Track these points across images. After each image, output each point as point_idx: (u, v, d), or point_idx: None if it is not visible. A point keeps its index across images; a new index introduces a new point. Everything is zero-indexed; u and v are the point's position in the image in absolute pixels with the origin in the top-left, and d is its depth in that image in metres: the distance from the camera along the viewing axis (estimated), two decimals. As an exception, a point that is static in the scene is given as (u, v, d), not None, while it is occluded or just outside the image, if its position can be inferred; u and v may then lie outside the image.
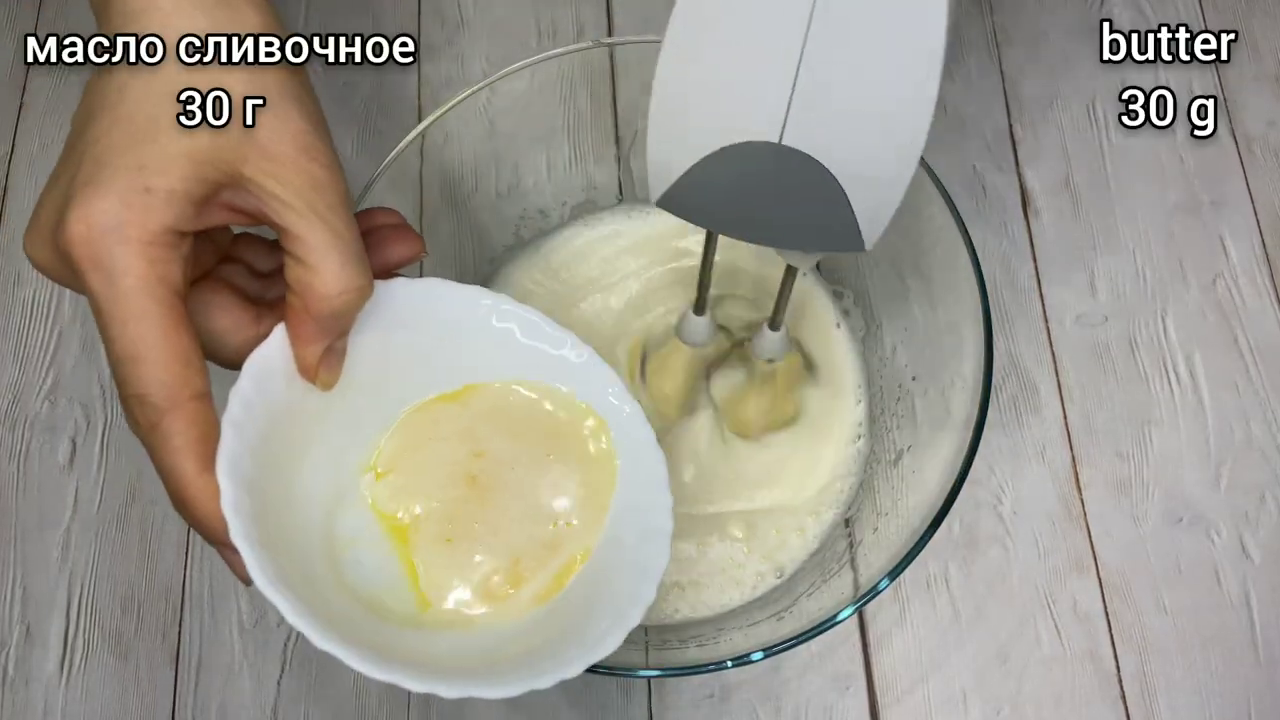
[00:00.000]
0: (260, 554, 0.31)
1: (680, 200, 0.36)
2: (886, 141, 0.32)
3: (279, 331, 0.35)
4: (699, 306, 0.47)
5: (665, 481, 0.39)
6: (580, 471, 0.40)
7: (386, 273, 0.38)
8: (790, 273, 0.43)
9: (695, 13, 0.32)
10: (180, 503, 0.32)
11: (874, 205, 0.34)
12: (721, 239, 0.41)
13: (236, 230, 0.37)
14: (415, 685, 0.32)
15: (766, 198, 0.35)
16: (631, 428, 0.40)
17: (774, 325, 0.47)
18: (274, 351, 0.35)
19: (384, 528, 0.38)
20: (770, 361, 0.50)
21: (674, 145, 0.34)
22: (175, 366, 0.31)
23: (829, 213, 0.34)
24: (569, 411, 0.41)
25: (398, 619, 0.37)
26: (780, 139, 0.32)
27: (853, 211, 0.34)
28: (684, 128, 0.34)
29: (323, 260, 0.33)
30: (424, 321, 0.39)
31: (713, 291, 0.47)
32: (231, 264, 0.36)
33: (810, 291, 0.56)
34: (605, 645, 0.35)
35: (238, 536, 0.31)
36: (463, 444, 0.40)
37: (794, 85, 0.31)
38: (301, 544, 0.36)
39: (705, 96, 0.33)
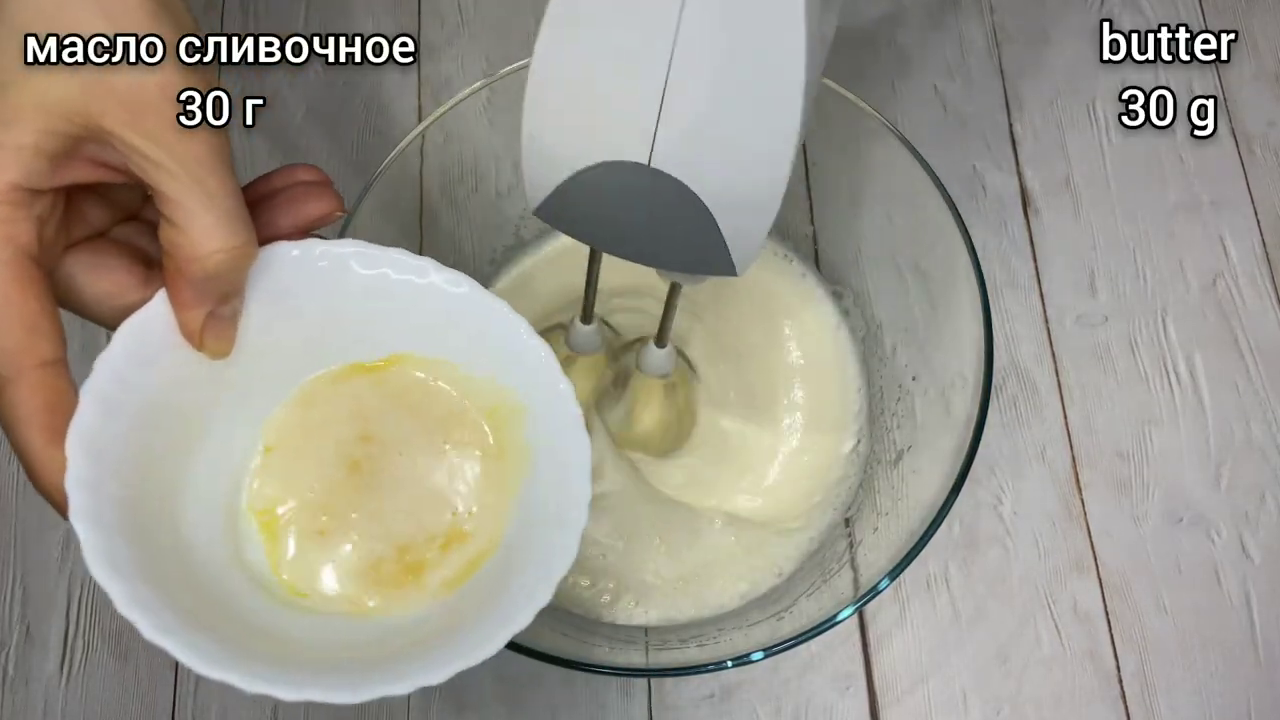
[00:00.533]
0: (100, 534, 0.30)
1: (556, 213, 0.36)
2: (753, 169, 0.32)
3: (161, 295, 0.33)
4: (585, 315, 0.47)
5: (585, 469, 0.36)
6: (482, 459, 0.38)
7: (301, 233, 0.35)
8: (674, 290, 0.44)
9: (566, 23, 0.31)
10: (29, 475, 0.31)
11: (743, 231, 0.34)
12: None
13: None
14: (246, 685, 0.30)
15: (639, 217, 0.34)
16: (556, 409, 0.37)
17: (659, 342, 0.47)
18: (155, 316, 0.33)
19: (257, 521, 0.36)
20: (664, 377, 0.50)
21: (547, 157, 0.34)
22: (18, 332, 0.29)
23: (699, 236, 0.34)
24: (473, 395, 0.38)
25: (288, 603, 0.35)
26: (649, 161, 0.32)
27: (722, 236, 0.34)
28: (556, 141, 0.34)
29: (192, 219, 0.30)
30: (326, 287, 0.36)
31: (619, 302, 0.47)
32: (136, 224, 0.34)
33: (811, 293, 0.56)
34: (481, 650, 0.32)
35: (77, 514, 0.30)
36: (351, 426, 0.38)
37: (660, 107, 0.31)
38: (193, 523, 0.34)
39: (577, 111, 0.33)
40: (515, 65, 0.50)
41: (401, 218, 0.52)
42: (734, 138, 0.31)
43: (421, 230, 0.53)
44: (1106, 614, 0.53)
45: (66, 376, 0.31)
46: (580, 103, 0.32)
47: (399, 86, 0.65)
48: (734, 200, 0.33)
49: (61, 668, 0.53)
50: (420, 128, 0.49)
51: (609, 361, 0.53)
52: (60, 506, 0.30)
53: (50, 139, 0.29)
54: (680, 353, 0.54)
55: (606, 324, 0.54)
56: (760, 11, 0.29)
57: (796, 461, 0.53)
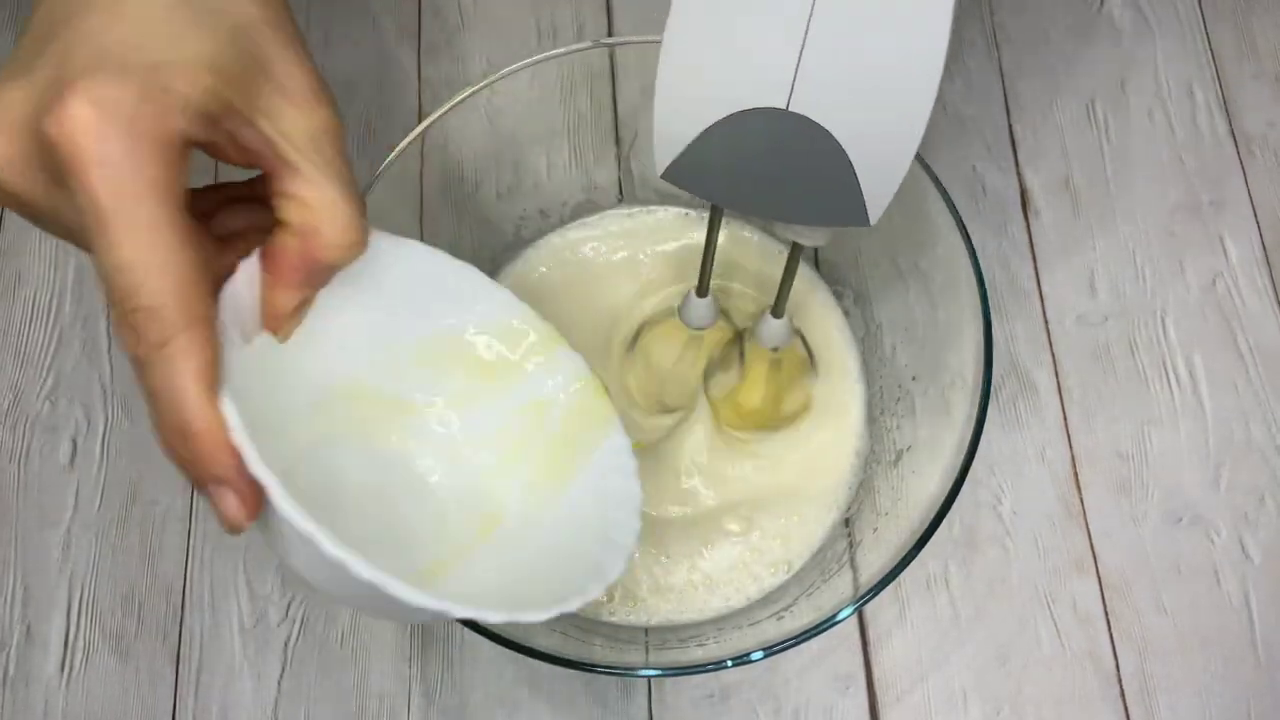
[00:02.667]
0: (278, 485, 0.30)
1: (686, 172, 0.36)
2: (893, 110, 0.33)
3: (247, 267, 0.33)
4: (702, 288, 0.47)
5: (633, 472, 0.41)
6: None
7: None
8: (794, 256, 0.43)
9: None
10: (179, 433, 0.29)
11: (879, 176, 0.34)
12: (727, 223, 0.41)
13: None
14: (460, 611, 0.32)
15: (772, 168, 0.35)
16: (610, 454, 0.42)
17: (777, 312, 0.47)
18: (241, 289, 0.33)
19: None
20: (775, 350, 0.49)
21: (681, 114, 0.34)
22: (191, 280, 0.29)
23: (834, 183, 0.34)
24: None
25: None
26: (788, 105, 0.33)
27: (858, 182, 0.34)
28: (691, 96, 0.34)
29: (335, 207, 0.31)
30: (390, 286, 0.39)
31: (716, 280, 0.47)
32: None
33: (810, 293, 0.56)
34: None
35: (258, 465, 0.29)
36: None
37: (801, 50, 0.31)
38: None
39: (712, 63, 0.33)
40: (515, 65, 0.50)
41: (402, 218, 0.52)
42: (876, 77, 0.32)
43: (422, 230, 0.53)
44: (1106, 614, 0.53)
45: (215, 333, 0.30)
46: (718, 53, 0.33)
47: (399, 87, 0.65)
48: (871, 145, 0.33)
49: (62, 668, 0.53)
50: (420, 128, 0.49)
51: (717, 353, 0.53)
52: (219, 464, 0.30)
53: (213, 101, 0.29)
54: (800, 335, 0.53)
55: (723, 312, 0.53)
56: None
57: (797, 461, 0.53)
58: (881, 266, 0.53)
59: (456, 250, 0.55)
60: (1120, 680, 0.52)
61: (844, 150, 0.33)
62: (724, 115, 0.34)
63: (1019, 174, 0.62)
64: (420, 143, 0.50)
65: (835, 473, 0.53)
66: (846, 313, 0.56)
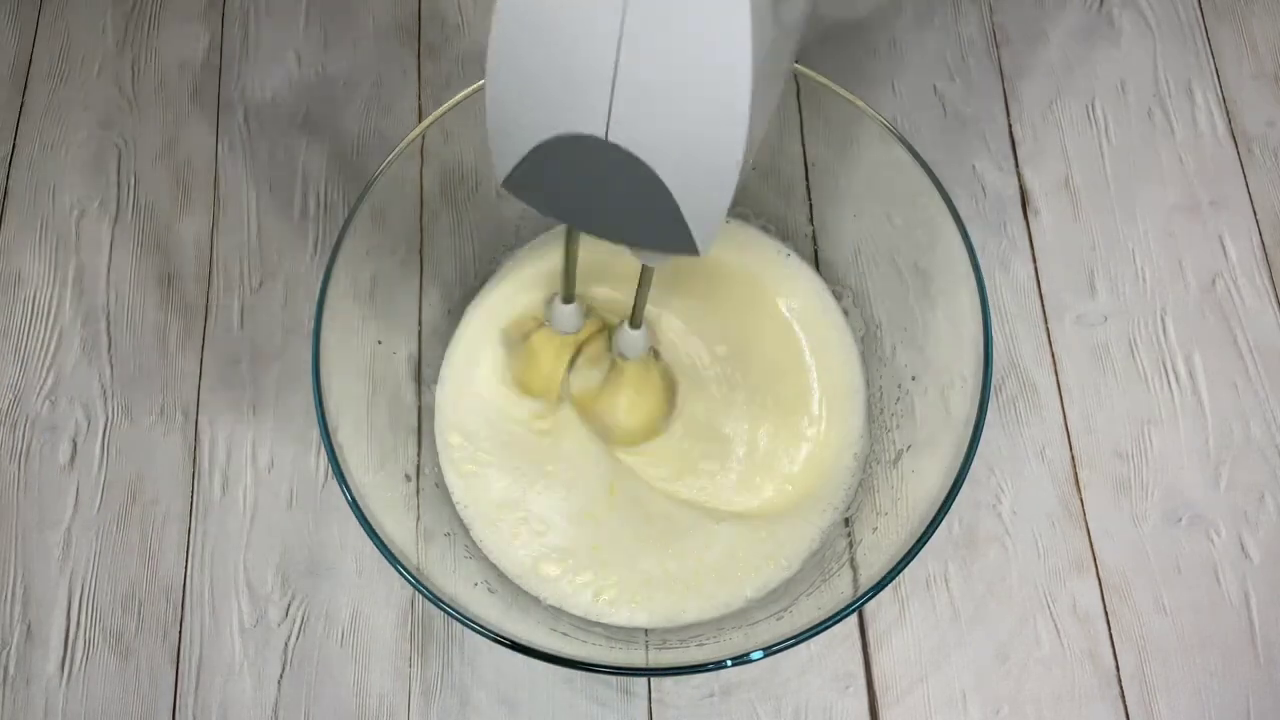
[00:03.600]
0: None
1: (521, 186, 0.36)
2: (707, 147, 0.32)
3: None
4: (566, 294, 0.48)
5: None
6: None
7: None
8: (646, 270, 0.44)
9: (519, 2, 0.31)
10: None
11: (702, 209, 0.33)
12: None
13: None
14: None
15: (600, 192, 0.34)
16: None
17: (633, 323, 0.48)
18: None
19: None
20: (622, 357, 0.51)
21: (509, 131, 0.34)
22: None
23: (660, 213, 0.33)
24: None
25: None
26: (606, 134, 0.32)
27: (681, 214, 0.33)
28: (517, 115, 0.34)
29: None
30: None
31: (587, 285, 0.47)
32: None
33: (810, 293, 0.56)
34: None
35: None
36: None
37: (614, 80, 0.31)
38: None
39: (533, 85, 0.32)
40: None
41: (402, 218, 0.52)
42: (686, 114, 0.31)
43: (422, 230, 0.53)
44: (1106, 614, 0.53)
45: None
46: (538, 75, 0.32)
47: (399, 86, 0.65)
48: (691, 177, 0.32)
49: (62, 667, 0.53)
50: (420, 128, 0.49)
51: (589, 344, 0.54)
52: None
53: None
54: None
55: (591, 308, 0.54)
56: None
57: (797, 460, 0.53)
58: (881, 266, 0.53)
59: (457, 250, 0.56)
60: (1120, 680, 0.52)
61: (663, 182, 0.32)
62: (546, 138, 0.33)
63: (1019, 174, 0.62)
64: (420, 142, 0.50)
65: (835, 473, 0.53)
66: (846, 312, 0.56)
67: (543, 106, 0.33)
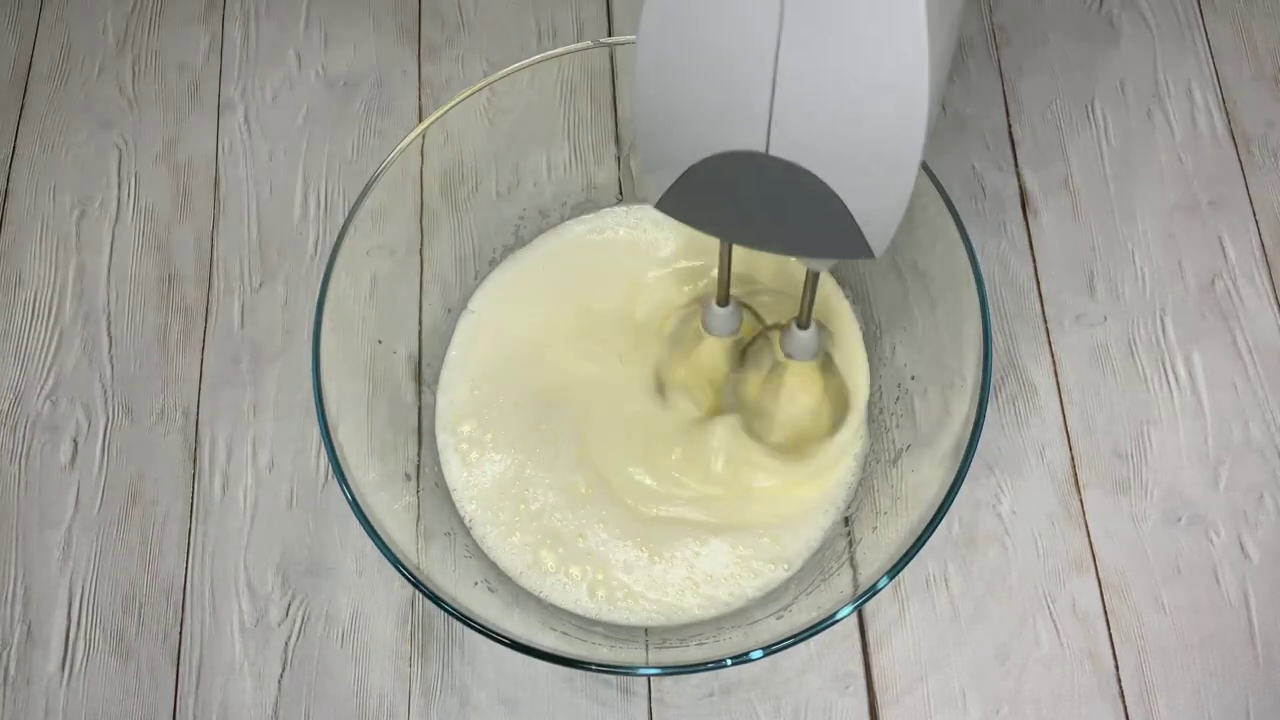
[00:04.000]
0: None
1: (678, 205, 0.35)
2: (879, 147, 0.30)
3: None
4: (721, 297, 0.47)
5: None
6: None
7: None
8: (812, 272, 0.43)
9: (668, 15, 0.30)
10: None
11: (876, 211, 0.32)
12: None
13: None
14: None
15: (764, 205, 0.33)
16: None
17: (801, 324, 0.47)
18: None
19: None
20: (789, 357, 0.49)
21: (663, 152, 0.33)
22: None
23: (830, 220, 0.33)
24: None
25: None
26: (767, 149, 0.31)
27: (853, 219, 0.32)
28: (671, 135, 0.33)
29: None
30: None
31: (741, 287, 0.46)
32: None
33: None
34: None
35: None
36: None
37: (772, 94, 0.30)
38: None
39: (687, 105, 0.31)
40: (515, 65, 0.50)
41: (402, 218, 0.52)
42: (855, 116, 0.30)
43: (422, 230, 0.53)
44: (1105, 613, 0.53)
45: None
46: (691, 94, 0.31)
47: (399, 86, 0.65)
48: (862, 181, 0.31)
49: (62, 667, 0.53)
50: (420, 128, 0.49)
51: (747, 346, 0.52)
52: None
53: None
54: (823, 326, 0.52)
55: (747, 307, 0.53)
56: None
57: (797, 461, 0.53)
58: (881, 266, 0.53)
59: (457, 250, 0.56)
60: (1119, 679, 0.52)
61: (832, 190, 0.32)
62: (703, 158, 0.32)
63: (1019, 174, 0.62)
64: (420, 142, 0.50)
65: (835, 472, 0.53)
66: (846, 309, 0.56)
67: (697, 125, 0.32)
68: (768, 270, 0.56)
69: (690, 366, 0.53)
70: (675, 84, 0.31)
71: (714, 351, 0.52)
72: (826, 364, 0.52)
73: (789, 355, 0.49)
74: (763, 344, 0.53)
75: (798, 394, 0.52)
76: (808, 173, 0.31)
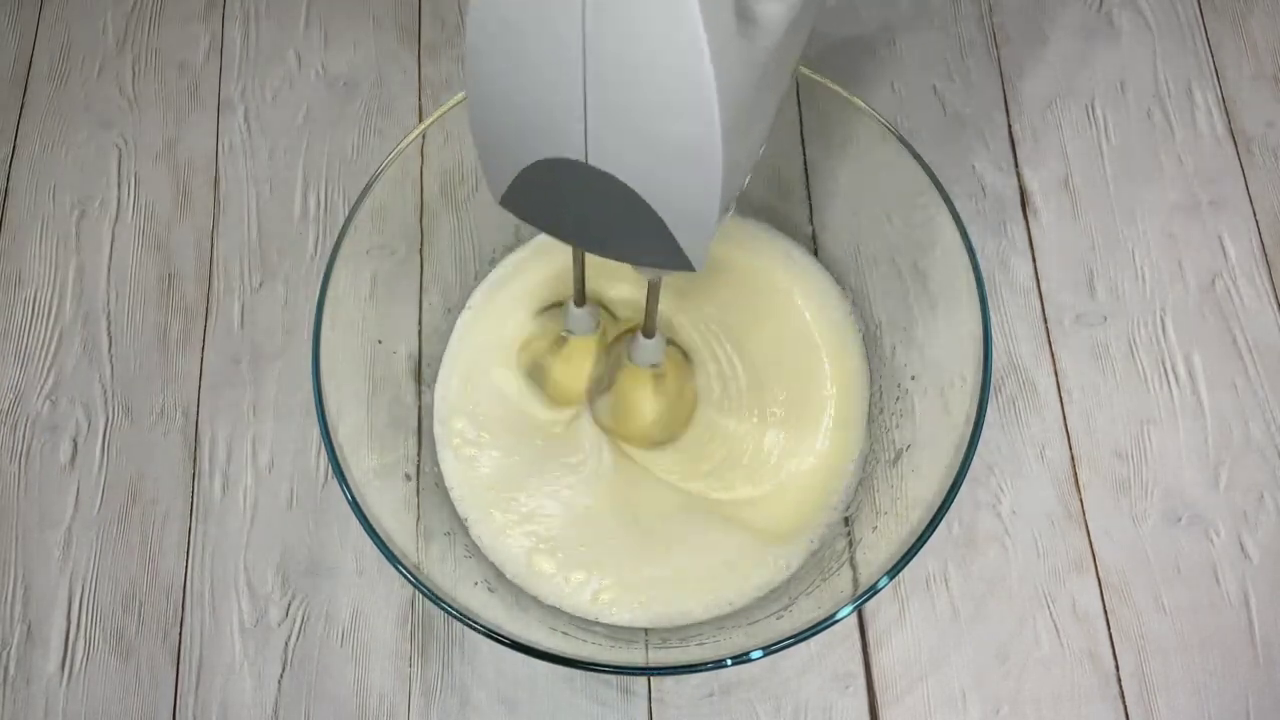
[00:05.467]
0: None
1: (518, 205, 0.36)
2: (684, 166, 0.31)
3: None
4: (578, 297, 0.48)
5: None
6: None
7: None
8: (652, 282, 0.44)
9: (488, 27, 0.31)
10: None
11: (690, 227, 0.33)
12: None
13: None
14: None
15: (592, 212, 0.34)
16: None
17: (646, 332, 0.48)
18: None
19: None
20: (653, 366, 0.50)
21: (497, 155, 0.34)
22: None
23: (650, 231, 0.33)
24: None
25: None
26: (586, 158, 0.32)
27: (669, 231, 0.33)
28: (502, 140, 0.34)
29: None
30: None
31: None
32: None
33: (817, 291, 0.56)
34: None
35: None
36: None
37: (585, 105, 0.30)
38: None
39: (513, 111, 0.32)
40: (515, 65, 0.50)
41: (402, 218, 0.52)
42: (659, 135, 0.30)
43: (422, 230, 0.53)
44: (1105, 613, 0.53)
45: None
46: (516, 101, 0.32)
47: (399, 86, 0.65)
48: (674, 196, 0.32)
49: (62, 667, 0.53)
50: (420, 128, 0.49)
51: (605, 348, 0.54)
52: None
53: None
54: (672, 342, 0.55)
55: (605, 308, 0.55)
56: (651, 13, 0.28)
57: (798, 462, 0.53)
58: (881, 266, 0.53)
59: (457, 250, 0.56)
60: (1119, 679, 0.52)
61: (647, 201, 0.32)
62: (531, 162, 0.33)
63: (1019, 174, 0.62)
64: (420, 142, 0.50)
65: (835, 472, 0.53)
66: (846, 313, 0.56)
67: (524, 132, 0.33)
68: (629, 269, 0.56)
69: (561, 365, 0.54)
70: (503, 90, 0.32)
71: (572, 360, 0.54)
72: (669, 372, 0.53)
73: (633, 361, 0.50)
74: (618, 346, 0.53)
75: (638, 398, 0.53)
76: (624, 184, 0.32)
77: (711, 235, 0.33)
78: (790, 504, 0.52)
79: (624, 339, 0.52)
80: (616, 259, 0.37)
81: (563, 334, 0.53)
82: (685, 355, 0.55)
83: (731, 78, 0.30)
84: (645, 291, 0.46)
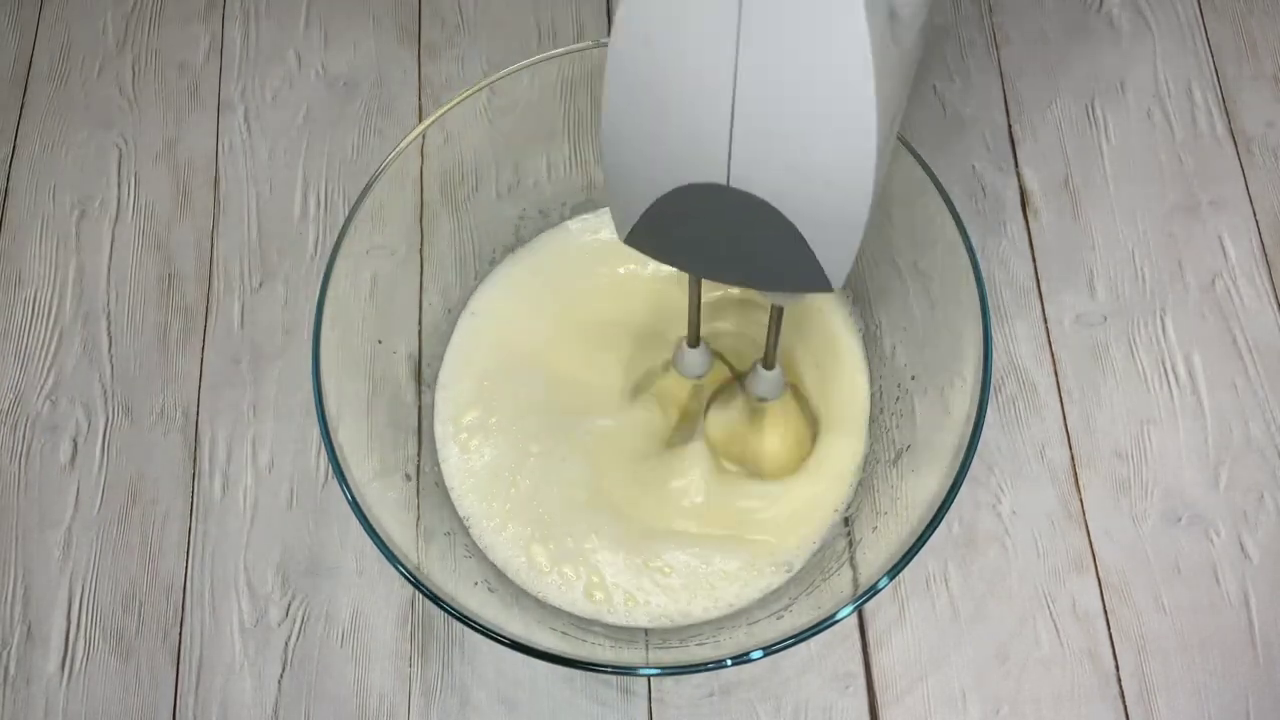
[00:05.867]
0: None
1: (645, 240, 0.36)
2: (832, 179, 0.31)
3: None
4: (691, 338, 0.47)
5: None
6: None
7: None
8: (776, 310, 0.43)
9: (632, 49, 0.31)
10: None
11: (833, 245, 0.33)
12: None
13: None
14: None
15: (727, 237, 0.34)
16: None
17: (767, 364, 0.47)
18: None
19: None
20: (761, 400, 0.50)
21: (630, 186, 0.34)
22: None
23: (789, 253, 0.33)
24: None
25: None
26: (728, 181, 0.32)
27: (811, 252, 0.33)
28: (636, 169, 0.33)
29: None
30: None
31: (711, 324, 0.47)
32: None
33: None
34: None
35: None
36: None
37: (731, 127, 0.30)
38: None
39: (651, 138, 0.32)
40: (515, 66, 0.50)
41: (402, 218, 0.52)
42: (809, 152, 0.30)
43: (422, 230, 0.53)
44: (1105, 613, 0.53)
45: None
46: (655, 128, 0.32)
47: (399, 86, 0.65)
48: (819, 214, 0.32)
49: (62, 667, 0.53)
50: (420, 128, 0.49)
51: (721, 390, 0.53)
52: None
53: None
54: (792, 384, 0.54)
55: (718, 354, 0.54)
56: (819, 22, 0.28)
57: (811, 460, 0.53)
58: (881, 266, 0.53)
59: (457, 250, 0.56)
60: (1119, 679, 0.52)
61: (791, 223, 0.32)
62: (668, 190, 0.33)
63: (1019, 174, 0.62)
64: (420, 142, 0.50)
65: (835, 472, 0.53)
66: (846, 313, 0.56)
67: (661, 159, 0.32)
68: (731, 314, 0.56)
69: (665, 417, 0.54)
70: (642, 119, 0.32)
71: (682, 393, 0.54)
72: (794, 394, 0.53)
73: (759, 398, 0.50)
74: (729, 387, 0.53)
75: (771, 432, 0.53)
76: (766, 204, 0.32)
77: (855, 253, 0.33)
78: (791, 505, 0.52)
79: (728, 382, 0.52)
80: (749, 286, 0.37)
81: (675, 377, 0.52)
82: (795, 388, 0.54)
83: (885, 89, 0.29)
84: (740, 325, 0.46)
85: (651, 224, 0.35)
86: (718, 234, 0.34)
